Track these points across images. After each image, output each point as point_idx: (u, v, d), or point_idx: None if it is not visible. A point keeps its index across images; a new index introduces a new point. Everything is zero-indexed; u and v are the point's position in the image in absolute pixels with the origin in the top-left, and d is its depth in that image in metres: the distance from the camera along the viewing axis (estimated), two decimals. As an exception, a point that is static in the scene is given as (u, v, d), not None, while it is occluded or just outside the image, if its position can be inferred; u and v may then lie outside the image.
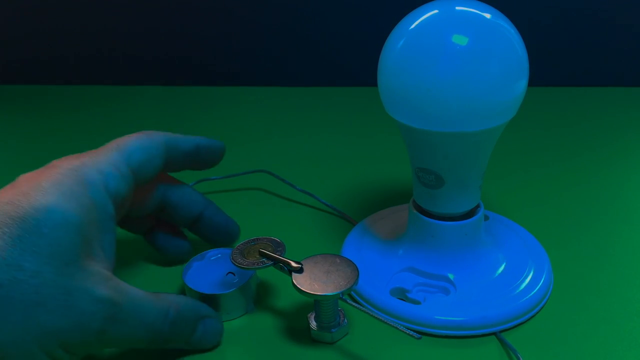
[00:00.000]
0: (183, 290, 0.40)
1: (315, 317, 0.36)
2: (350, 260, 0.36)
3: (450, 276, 0.39)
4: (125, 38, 0.78)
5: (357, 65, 0.72)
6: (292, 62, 0.77)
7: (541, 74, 0.72)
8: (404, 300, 0.38)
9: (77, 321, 0.28)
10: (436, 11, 0.35)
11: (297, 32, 0.76)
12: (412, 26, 0.35)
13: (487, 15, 0.34)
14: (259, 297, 0.40)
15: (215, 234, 0.43)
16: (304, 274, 0.35)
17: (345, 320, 0.37)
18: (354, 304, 0.34)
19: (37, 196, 0.29)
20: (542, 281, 0.39)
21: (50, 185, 0.30)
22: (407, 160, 0.39)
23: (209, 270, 0.40)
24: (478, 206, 0.40)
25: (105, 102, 0.75)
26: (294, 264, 0.35)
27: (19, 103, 0.76)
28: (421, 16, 0.35)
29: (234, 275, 0.39)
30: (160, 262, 0.44)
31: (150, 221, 0.42)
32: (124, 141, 0.36)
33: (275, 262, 0.36)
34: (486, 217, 0.45)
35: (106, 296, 0.29)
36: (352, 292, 0.39)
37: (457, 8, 0.35)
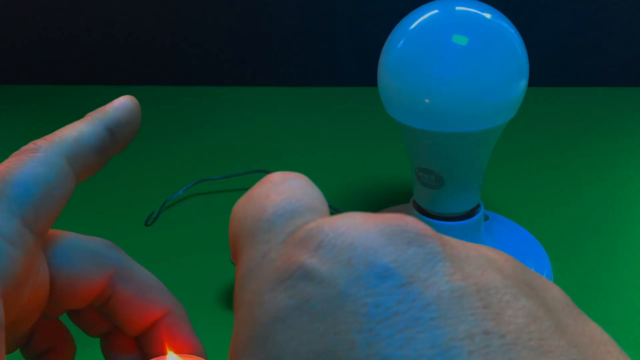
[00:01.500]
0: None
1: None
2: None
3: (450, 276, 0.38)
4: (126, 38, 0.78)
5: (357, 65, 0.72)
6: (293, 62, 0.77)
7: (541, 74, 0.72)
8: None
9: None
10: (436, 11, 0.35)
11: (297, 32, 0.76)
12: (412, 26, 0.35)
13: (487, 15, 0.35)
14: None
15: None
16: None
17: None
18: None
19: None
20: (542, 281, 0.39)
21: None
22: (407, 160, 0.39)
23: None
24: (478, 206, 0.40)
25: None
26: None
27: (19, 103, 0.76)
28: (421, 16, 0.35)
29: None
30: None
31: (105, 321, 0.28)
32: (3, 176, 0.22)
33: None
34: (486, 217, 0.45)
35: None
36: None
37: (457, 8, 0.35)
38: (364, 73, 0.75)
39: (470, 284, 0.13)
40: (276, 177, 0.17)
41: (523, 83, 0.35)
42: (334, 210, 0.49)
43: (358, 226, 0.14)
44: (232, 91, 0.77)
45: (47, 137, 0.24)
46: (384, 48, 0.37)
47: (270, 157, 0.59)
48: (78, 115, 0.71)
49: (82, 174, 0.24)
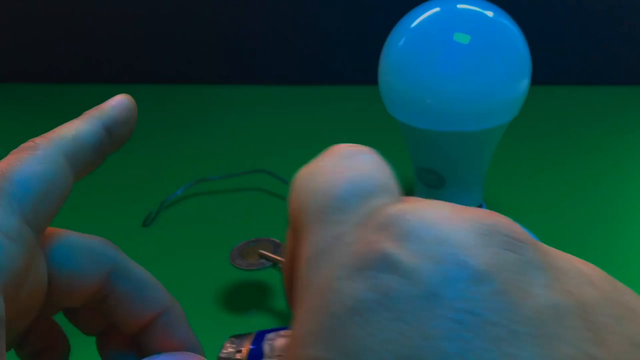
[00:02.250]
0: None
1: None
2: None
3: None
4: (126, 38, 0.78)
5: (358, 65, 0.72)
6: (292, 61, 0.77)
7: (544, 73, 0.71)
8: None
9: None
10: (438, 9, 0.34)
11: (297, 31, 0.75)
12: (414, 24, 0.34)
13: (489, 14, 0.34)
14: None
15: (167, 350, 0.27)
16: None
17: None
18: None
19: None
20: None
21: None
22: (408, 160, 0.39)
23: None
24: (480, 206, 0.39)
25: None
26: (293, 265, 0.35)
27: (19, 103, 0.76)
28: (422, 14, 0.34)
29: None
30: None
31: (101, 320, 0.28)
32: (3, 174, 0.22)
33: (275, 263, 0.36)
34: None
35: None
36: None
37: (459, 6, 0.34)
38: (365, 72, 0.74)
39: (571, 301, 0.12)
40: (344, 149, 0.16)
41: (525, 82, 0.35)
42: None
43: (447, 219, 0.13)
44: (232, 91, 0.76)
45: (46, 135, 0.24)
46: (384, 47, 0.36)
47: (270, 157, 0.59)
48: (78, 114, 0.71)
49: (80, 172, 0.24)
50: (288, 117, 0.69)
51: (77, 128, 0.25)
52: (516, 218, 0.46)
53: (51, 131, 0.24)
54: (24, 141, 0.66)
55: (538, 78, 0.72)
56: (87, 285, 0.25)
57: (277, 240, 0.38)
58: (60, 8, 0.77)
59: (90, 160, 0.25)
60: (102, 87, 0.79)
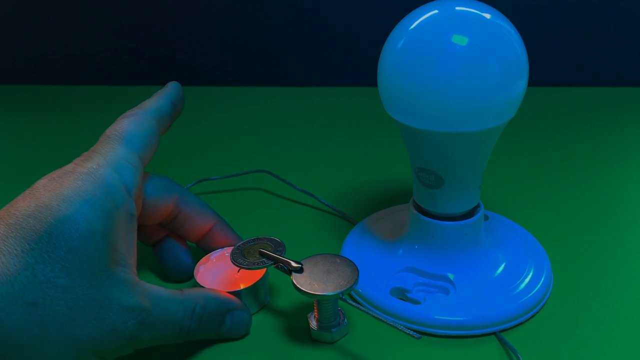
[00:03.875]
0: None
1: (315, 317, 0.36)
2: (350, 260, 0.36)
3: (450, 276, 0.39)
4: (126, 38, 0.78)
5: (357, 65, 0.73)
6: (292, 62, 0.77)
7: (541, 74, 0.72)
8: (404, 300, 0.38)
9: (110, 331, 0.29)
10: (436, 11, 0.35)
11: (297, 32, 0.76)
12: (412, 26, 0.35)
13: (487, 16, 0.35)
14: (270, 291, 0.40)
15: (223, 246, 0.41)
16: (304, 274, 0.35)
17: (345, 320, 0.37)
18: (354, 304, 0.34)
19: (61, 207, 0.29)
20: (541, 281, 0.39)
21: (72, 194, 0.29)
22: (407, 160, 0.39)
23: (217, 271, 0.39)
24: (478, 206, 0.40)
25: (106, 102, 0.75)
26: (294, 264, 0.35)
27: (19, 103, 0.76)
28: (421, 16, 0.35)
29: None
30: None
31: (161, 232, 0.41)
32: (120, 130, 0.34)
33: (276, 262, 0.36)
34: (486, 217, 0.45)
35: (135, 304, 0.30)
36: (352, 292, 0.39)
37: (457, 8, 0.35)
38: (364, 73, 0.75)
39: None
40: None
41: (523, 83, 0.35)
42: (334, 210, 0.49)
43: None
44: (232, 91, 0.77)
45: (141, 105, 0.37)
46: (383, 48, 0.37)
47: (270, 157, 0.59)
48: (78, 114, 0.71)
49: (162, 131, 0.37)
50: (288, 117, 0.69)
51: (158, 102, 0.37)
52: (514, 218, 0.47)
53: (143, 103, 0.37)
54: (24, 141, 0.66)
55: (535, 79, 0.72)
56: (164, 207, 0.38)
57: (278, 240, 0.38)
58: (62, 10, 0.78)
59: (166, 124, 0.38)
60: (104, 88, 0.79)
